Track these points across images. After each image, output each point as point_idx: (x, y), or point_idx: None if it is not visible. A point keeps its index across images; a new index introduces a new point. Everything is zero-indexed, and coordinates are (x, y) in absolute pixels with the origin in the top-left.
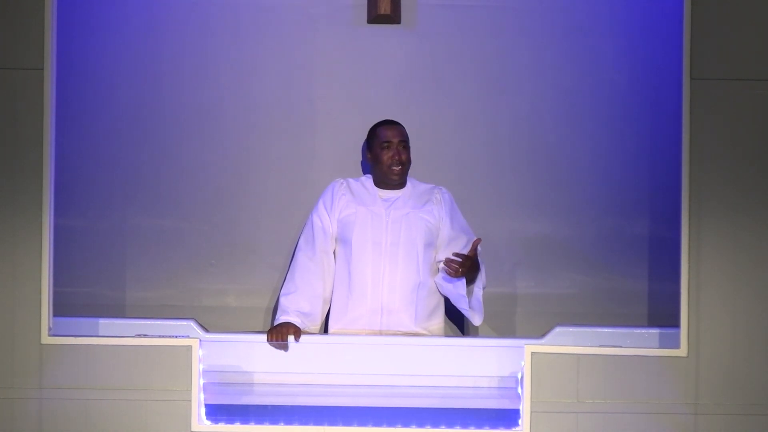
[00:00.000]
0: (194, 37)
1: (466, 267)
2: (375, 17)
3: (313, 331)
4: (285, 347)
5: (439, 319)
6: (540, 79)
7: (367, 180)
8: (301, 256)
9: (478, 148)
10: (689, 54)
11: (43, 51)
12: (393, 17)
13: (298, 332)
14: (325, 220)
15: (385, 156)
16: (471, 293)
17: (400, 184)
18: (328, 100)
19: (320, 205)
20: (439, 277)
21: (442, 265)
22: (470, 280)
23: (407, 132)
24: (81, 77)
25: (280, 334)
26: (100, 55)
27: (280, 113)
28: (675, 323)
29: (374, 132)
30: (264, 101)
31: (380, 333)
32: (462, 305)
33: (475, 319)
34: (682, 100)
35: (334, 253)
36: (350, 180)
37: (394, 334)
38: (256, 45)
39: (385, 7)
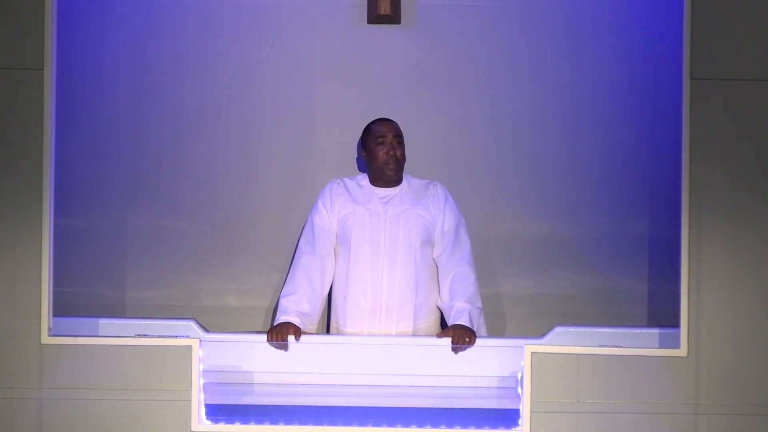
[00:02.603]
0: (194, 37)
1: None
2: (375, 17)
3: (311, 331)
4: (285, 347)
5: (435, 317)
6: (540, 79)
7: (363, 179)
8: (302, 258)
9: (478, 148)
10: (689, 54)
11: (43, 51)
12: (393, 17)
13: (298, 332)
14: (326, 220)
15: (380, 152)
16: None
17: (396, 180)
18: (328, 100)
19: (319, 205)
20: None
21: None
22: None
23: (403, 130)
24: (81, 77)
25: (280, 334)
26: (100, 55)
27: (280, 113)
28: (675, 323)
29: (368, 129)
30: (264, 101)
31: (379, 332)
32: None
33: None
34: (682, 100)
35: (334, 252)
36: (346, 180)
37: (393, 335)
38: (256, 45)
39: (385, 7)
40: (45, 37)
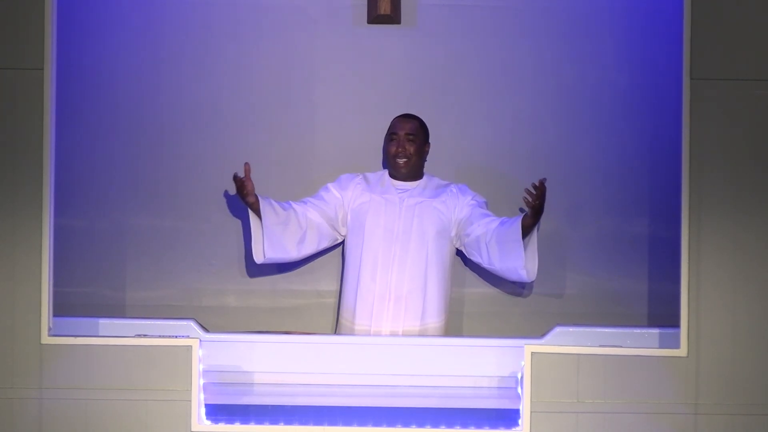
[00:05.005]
0: (194, 37)
1: (538, 199)
2: (375, 17)
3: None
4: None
5: (442, 317)
6: (540, 79)
7: (384, 174)
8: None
9: (478, 148)
10: (689, 54)
11: (43, 51)
12: (393, 17)
13: (249, 189)
14: (332, 194)
15: (391, 148)
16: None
17: (412, 176)
18: (328, 100)
19: (339, 179)
20: (492, 237)
21: (490, 228)
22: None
23: (424, 127)
24: (81, 77)
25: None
26: (100, 55)
27: (280, 113)
28: (675, 323)
29: (391, 123)
30: (264, 101)
31: (386, 327)
32: (514, 259)
33: (530, 272)
34: (682, 100)
35: (342, 249)
36: (366, 173)
37: (399, 334)
38: (256, 45)
39: (385, 7)
40: (45, 37)
